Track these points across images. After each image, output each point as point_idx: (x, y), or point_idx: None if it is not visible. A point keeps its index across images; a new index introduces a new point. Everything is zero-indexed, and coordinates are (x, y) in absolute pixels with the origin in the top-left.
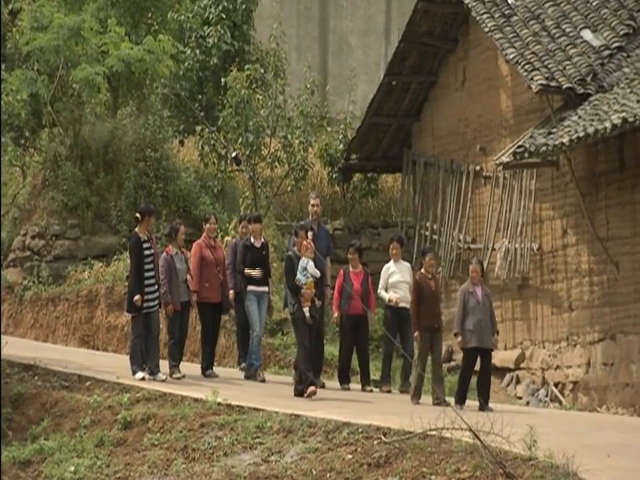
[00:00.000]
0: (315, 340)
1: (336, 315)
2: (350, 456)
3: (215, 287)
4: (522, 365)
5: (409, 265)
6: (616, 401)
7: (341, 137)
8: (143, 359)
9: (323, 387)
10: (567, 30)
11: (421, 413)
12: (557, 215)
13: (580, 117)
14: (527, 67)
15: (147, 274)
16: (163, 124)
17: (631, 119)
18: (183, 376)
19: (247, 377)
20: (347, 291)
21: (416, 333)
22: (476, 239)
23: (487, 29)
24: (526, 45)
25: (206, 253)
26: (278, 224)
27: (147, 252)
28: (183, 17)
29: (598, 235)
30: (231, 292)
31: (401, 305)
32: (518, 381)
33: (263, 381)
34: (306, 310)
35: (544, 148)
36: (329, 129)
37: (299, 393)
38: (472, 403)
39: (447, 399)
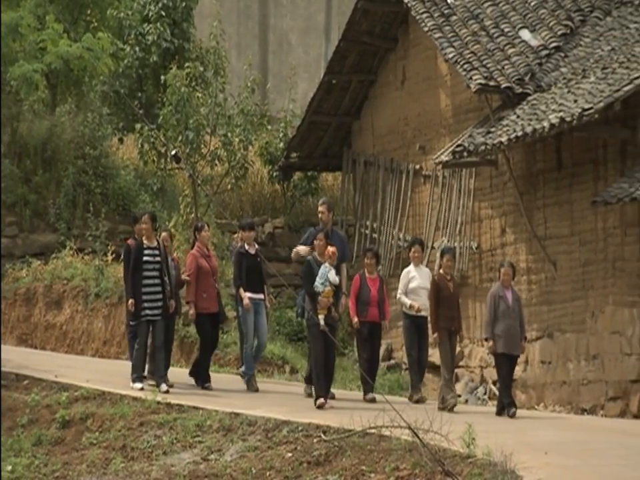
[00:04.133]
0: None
1: (356, 320)
2: (290, 454)
3: (212, 296)
4: (461, 363)
5: (428, 270)
6: (553, 398)
7: (281, 135)
8: (143, 368)
9: (333, 397)
10: (506, 30)
11: (361, 412)
12: (496, 213)
13: (518, 117)
14: (465, 66)
15: (147, 281)
16: (102, 121)
17: (568, 119)
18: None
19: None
20: (364, 298)
21: (435, 335)
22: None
23: (426, 29)
24: (465, 44)
25: (202, 263)
26: (218, 222)
27: (147, 258)
28: (122, 14)
29: (536, 234)
30: (245, 302)
31: (421, 312)
32: (457, 379)
33: (257, 390)
34: (321, 317)
35: (483, 147)
36: (269, 127)
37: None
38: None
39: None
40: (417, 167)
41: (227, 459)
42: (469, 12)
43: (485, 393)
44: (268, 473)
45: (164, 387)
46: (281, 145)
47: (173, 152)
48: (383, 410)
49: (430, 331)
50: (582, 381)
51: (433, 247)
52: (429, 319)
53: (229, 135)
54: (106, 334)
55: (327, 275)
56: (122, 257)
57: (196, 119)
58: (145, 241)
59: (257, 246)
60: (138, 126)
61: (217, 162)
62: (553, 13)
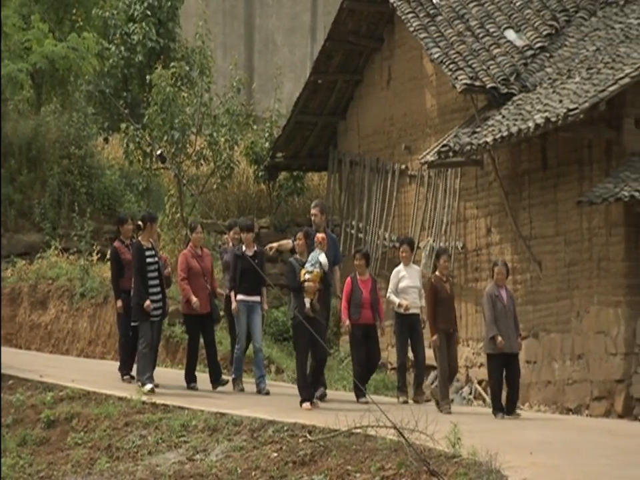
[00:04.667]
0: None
1: (347, 323)
2: (275, 454)
3: (202, 297)
4: None
5: (419, 268)
6: (538, 398)
7: (266, 135)
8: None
9: (324, 396)
10: (491, 30)
11: (347, 412)
12: (481, 213)
13: (503, 117)
14: (451, 66)
15: (150, 282)
16: (87, 121)
17: (553, 119)
18: (156, 386)
19: (259, 392)
20: (356, 300)
21: (434, 337)
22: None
23: (411, 29)
24: (450, 44)
25: (192, 263)
26: (204, 222)
27: (149, 260)
28: (107, 13)
29: (521, 234)
30: (233, 306)
31: (411, 310)
32: None
33: (242, 390)
34: (307, 301)
35: (468, 147)
36: (254, 127)
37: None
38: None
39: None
40: (403, 166)
41: (213, 458)
42: (454, 12)
43: (470, 393)
44: (253, 473)
45: (148, 386)
46: (267, 144)
47: (159, 151)
48: (369, 410)
49: (429, 333)
50: (567, 381)
51: (418, 247)
52: (421, 316)
53: (215, 134)
54: (91, 334)
55: (317, 257)
56: (109, 258)
57: (181, 119)
58: (142, 243)
59: (256, 247)
60: (123, 125)
61: (202, 162)
62: (538, 13)
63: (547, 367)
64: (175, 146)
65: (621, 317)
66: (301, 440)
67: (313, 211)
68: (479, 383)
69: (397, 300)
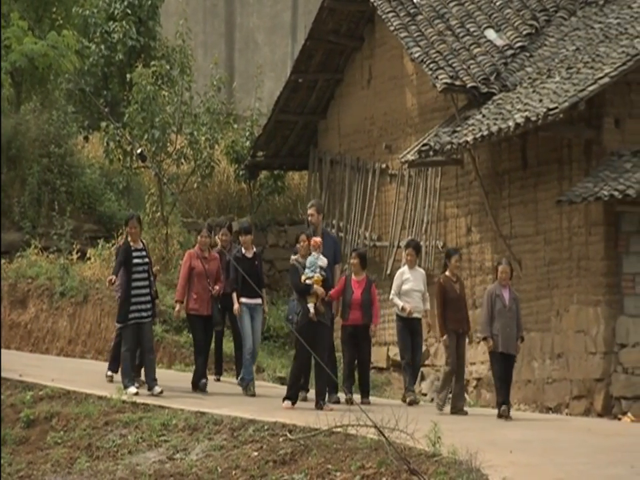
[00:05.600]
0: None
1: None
2: (255, 453)
3: (203, 299)
4: (426, 362)
5: (423, 272)
6: (518, 397)
7: (247, 134)
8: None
9: (337, 402)
10: (471, 29)
11: (327, 411)
12: (461, 212)
13: (484, 116)
14: (431, 65)
15: (136, 283)
16: (68, 119)
17: (533, 118)
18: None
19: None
20: (346, 300)
21: (444, 337)
22: (382, 237)
23: (392, 28)
24: (431, 43)
25: (195, 263)
26: (184, 221)
27: (137, 260)
28: (87, 11)
29: (501, 233)
30: (235, 307)
31: (413, 314)
32: (422, 378)
33: (253, 395)
34: (310, 306)
35: (448, 146)
36: (235, 126)
37: (319, 407)
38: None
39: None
40: (383, 166)
41: (193, 457)
42: (434, 11)
43: (451, 392)
44: (234, 472)
45: (157, 389)
46: (247, 143)
47: (139, 150)
48: (349, 409)
49: (438, 333)
50: (547, 380)
51: (399, 246)
52: (427, 320)
53: (195, 133)
54: (71, 333)
55: (315, 261)
56: (114, 258)
57: (162, 118)
58: (131, 243)
59: (254, 249)
60: (103, 124)
61: (182, 160)
62: (518, 12)
63: (527, 366)
64: (156, 145)
65: (601, 315)
66: (281, 439)
67: (309, 211)
68: None
69: (400, 303)
